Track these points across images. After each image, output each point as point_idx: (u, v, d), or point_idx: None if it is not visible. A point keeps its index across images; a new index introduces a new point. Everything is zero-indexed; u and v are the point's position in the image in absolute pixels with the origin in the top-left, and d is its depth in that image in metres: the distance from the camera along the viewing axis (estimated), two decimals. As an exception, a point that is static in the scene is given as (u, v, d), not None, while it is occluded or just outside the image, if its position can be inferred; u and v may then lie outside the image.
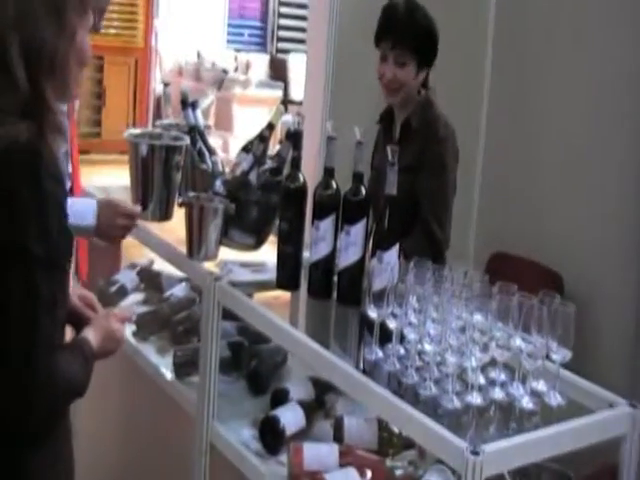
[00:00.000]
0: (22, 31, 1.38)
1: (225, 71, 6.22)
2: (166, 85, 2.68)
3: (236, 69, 10.21)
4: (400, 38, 2.52)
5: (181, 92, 2.51)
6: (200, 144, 2.42)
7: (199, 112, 2.50)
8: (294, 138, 2.12)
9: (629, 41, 3.03)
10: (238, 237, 2.22)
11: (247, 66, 10.25)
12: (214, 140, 3.02)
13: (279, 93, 9.43)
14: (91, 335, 1.52)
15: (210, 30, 10.40)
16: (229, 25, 10.92)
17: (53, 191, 1.37)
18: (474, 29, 3.65)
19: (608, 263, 3.12)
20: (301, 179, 2.03)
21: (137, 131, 2.43)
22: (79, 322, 1.62)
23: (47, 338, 1.33)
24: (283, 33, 11.24)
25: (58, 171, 1.41)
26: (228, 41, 10.86)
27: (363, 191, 1.98)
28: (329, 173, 2.02)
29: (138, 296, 2.63)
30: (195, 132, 2.43)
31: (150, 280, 2.68)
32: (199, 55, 9.91)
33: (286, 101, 9.50)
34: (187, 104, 2.47)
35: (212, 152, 2.45)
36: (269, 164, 2.30)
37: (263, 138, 2.28)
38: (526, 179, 3.47)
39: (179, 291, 2.53)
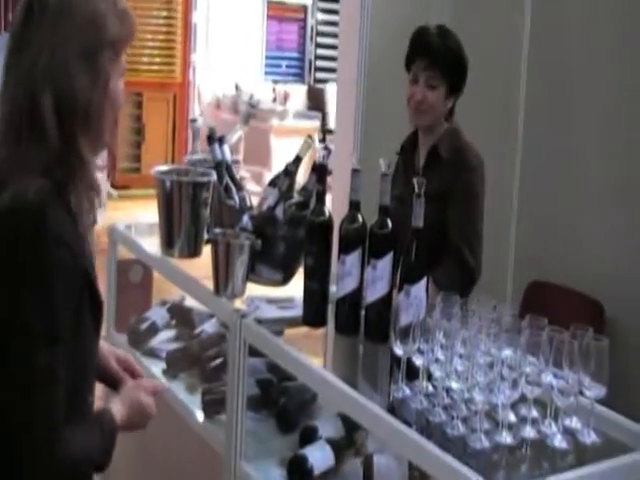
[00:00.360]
0: (55, 81, 1.32)
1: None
2: (193, 121, 2.67)
3: (274, 100, 10.29)
4: (433, 60, 2.52)
5: (208, 128, 2.51)
6: (227, 179, 2.41)
7: (226, 147, 2.49)
8: (319, 172, 2.10)
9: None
10: (266, 273, 2.21)
11: (285, 97, 10.34)
12: (245, 173, 3.02)
13: (317, 123, 9.48)
14: (116, 408, 1.46)
15: (248, 62, 10.53)
16: (267, 57, 11.04)
17: (60, 257, 1.28)
18: (508, 58, 3.62)
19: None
20: (326, 213, 2.01)
21: (164, 168, 2.43)
22: (116, 384, 1.58)
23: (47, 414, 1.27)
24: (321, 63, 11.34)
25: (68, 234, 1.31)
26: (266, 73, 10.99)
27: (389, 224, 1.95)
28: (355, 206, 1.99)
29: (169, 333, 2.61)
30: (222, 167, 2.43)
31: (181, 316, 2.67)
32: (237, 87, 10.01)
33: (324, 130, 9.55)
34: (214, 139, 2.47)
35: (239, 187, 2.43)
36: (296, 198, 2.28)
37: (288, 172, 2.27)
38: (564, 206, 3.41)
39: (209, 327, 2.52)
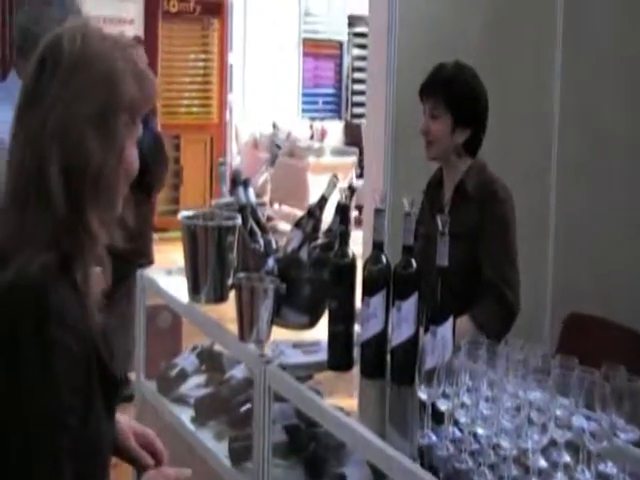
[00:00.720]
0: (64, 144, 1.23)
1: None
2: (221, 164, 2.66)
3: (312, 137, 10.34)
4: (434, 89, 2.52)
5: (233, 171, 2.50)
6: (251, 223, 2.39)
7: (251, 190, 2.48)
8: (342, 213, 2.07)
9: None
10: (292, 317, 2.17)
11: (322, 134, 10.38)
12: (273, 214, 3.00)
13: (353, 159, 9.48)
14: None
15: (285, 101, 10.60)
16: (303, 94, 11.12)
17: (62, 338, 1.19)
18: (541, 96, 3.59)
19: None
20: (350, 255, 1.98)
21: (190, 213, 2.43)
22: (134, 462, 1.52)
23: None
24: (357, 98, 11.37)
25: (72, 314, 1.22)
26: (303, 110, 11.05)
27: (414, 264, 1.91)
28: (378, 247, 1.96)
29: (199, 379, 2.59)
30: (246, 211, 2.41)
31: (211, 361, 2.65)
32: (275, 126, 10.08)
33: (361, 166, 9.55)
34: (238, 182, 2.46)
35: (264, 230, 2.41)
36: (322, 239, 2.26)
37: (312, 213, 2.24)
38: (601, 236, 3.34)
39: (239, 372, 2.48)
